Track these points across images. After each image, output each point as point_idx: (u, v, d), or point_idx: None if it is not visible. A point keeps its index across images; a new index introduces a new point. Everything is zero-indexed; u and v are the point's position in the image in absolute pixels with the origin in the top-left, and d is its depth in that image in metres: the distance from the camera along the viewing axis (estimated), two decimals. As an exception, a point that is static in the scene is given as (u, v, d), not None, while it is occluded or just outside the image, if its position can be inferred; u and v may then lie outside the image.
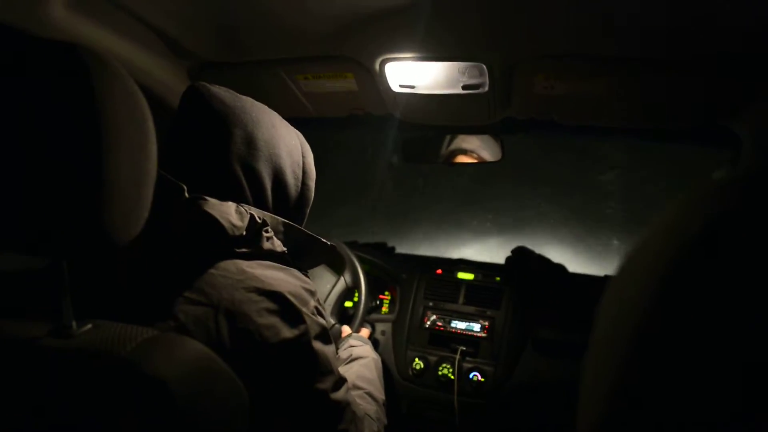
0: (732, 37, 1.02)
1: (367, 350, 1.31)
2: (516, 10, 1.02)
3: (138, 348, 0.60)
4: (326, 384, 0.85)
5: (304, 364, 0.82)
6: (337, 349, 1.34)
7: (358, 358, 1.24)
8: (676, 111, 1.25)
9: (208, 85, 0.91)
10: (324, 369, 0.85)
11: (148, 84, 1.31)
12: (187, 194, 0.79)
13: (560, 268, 1.94)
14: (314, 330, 0.83)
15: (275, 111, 1.00)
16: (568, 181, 3.67)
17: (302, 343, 0.81)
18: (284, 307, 0.79)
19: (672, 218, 0.38)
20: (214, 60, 1.35)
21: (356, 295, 1.89)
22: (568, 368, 1.66)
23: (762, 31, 0.99)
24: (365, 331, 1.60)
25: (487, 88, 1.26)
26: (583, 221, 3.65)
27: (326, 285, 1.69)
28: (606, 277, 2.11)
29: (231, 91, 0.93)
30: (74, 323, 0.62)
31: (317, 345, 0.83)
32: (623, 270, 0.42)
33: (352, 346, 1.31)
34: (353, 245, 2.11)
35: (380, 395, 1.14)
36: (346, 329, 1.50)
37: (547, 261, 1.96)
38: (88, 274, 0.77)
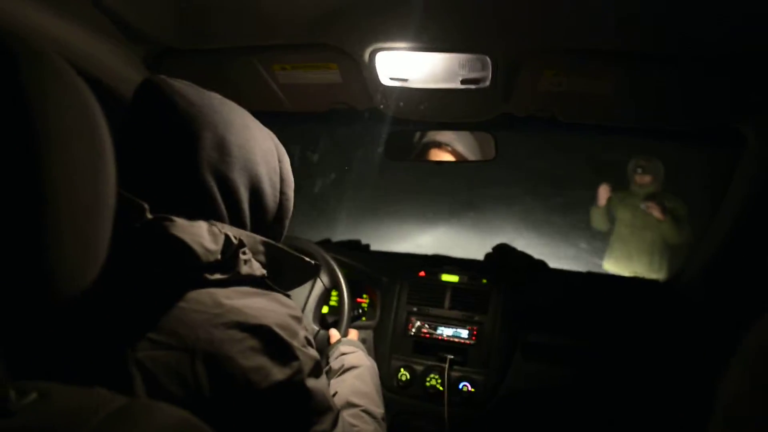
0: (751, 35, 0.95)
1: (360, 357, 1.19)
2: None
3: (101, 426, 0.45)
4: (325, 424, 0.74)
5: (300, 407, 0.71)
6: (328, 358, 1.23)
7: (351, 368, 1.13)
8: (686, 111, 1.18)
9: (168, 78, 0.75)
10: (321, 408, 0.74)
11: (94, 73, 1.11)
12: (149, 214, 0.64)
13: (541, 264, 1.88)
14: (308, 366, 0.72)
15: (247, 105, 0.85)
16: (556, 178, 3.73)
17: (296, 383, 0.69)
18: (273, 343, 0.68)
19: None
20: (175, 46, 1.17)
21: (333, 298, 1.77)
22: (558, 373, 1.61)
23: None
24: (354, 333, 1.45)
25: (488, 83, 1.15)
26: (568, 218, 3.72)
27: (303, 291, 1.56)
28: (589, 273, 2.08)
29: (194, 85, 0.77)
30: (13, 393, 0.46)
31: (311, 382, 0.72)
32: None
33: (343, 354, 1.19)
34: (326, 244, 1.98)
35: (378, 409, 1.03)
36: (334, 334, 1.37)
37: (529, 257, 1.90)
38: (28, 325, 0.60)
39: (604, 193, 3.73)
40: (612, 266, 3.77)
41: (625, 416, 1.59)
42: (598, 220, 3.82)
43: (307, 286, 1.50)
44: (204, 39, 1.13)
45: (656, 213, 3.47)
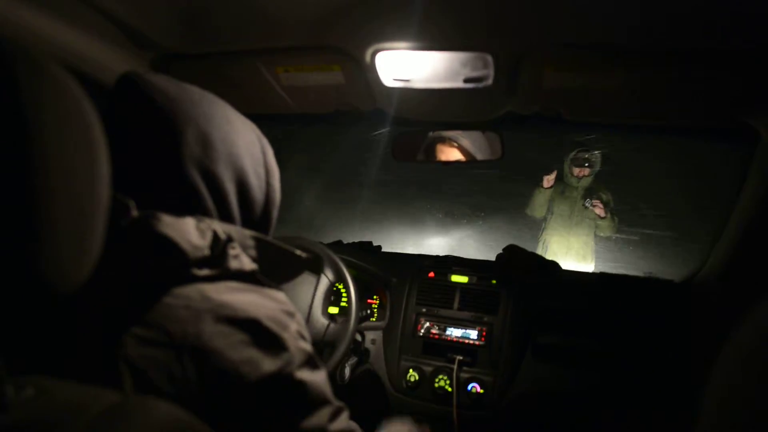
0: (759, 28, 0.92)
1: None
2: None
3: (96, 422, 0.46)
4: (322, 417, 0.74)
5: (292, 399, 0.71)
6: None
7: None
8: (694, 107, 1.15)
9: (144, 74, 0.75)
10: (316, 400, 0.73)
11: (103, 79, 1.14)
12: (135, 212, 0.65)
13: (552, 265, 1.86)
14: (299, 358, 0.71)
15: (253, 107, 0.85)
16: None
17: (286, 374, 0.69)
18: (262, 335, 0.68)
19: None
20: (180, 50, 1.18)
21: (343, 299, 1.78)
22: (570, 375, 1.58)
23: None
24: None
25: (491, 81, 1.14)
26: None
27: (308, 288, 1.56)
28: (601, 273, 2.04)
29: (172, 79, 0.77)
30: (10, 388, 0.47)
31: (304, 374, 0.71)
32: None
33: None
34: (337, 245, 1.99)
35: None
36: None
37: (539, 257, 1.87)
38: (25, 321, 0.62)
39: (551, 178, 3.81)
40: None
41: (638, 420, 1.56)
42: (538, 206, 3.87)
43: (312, 283, 1.51)
44: (208, 43, 1.15)
45: (598, 210, 3.62)
